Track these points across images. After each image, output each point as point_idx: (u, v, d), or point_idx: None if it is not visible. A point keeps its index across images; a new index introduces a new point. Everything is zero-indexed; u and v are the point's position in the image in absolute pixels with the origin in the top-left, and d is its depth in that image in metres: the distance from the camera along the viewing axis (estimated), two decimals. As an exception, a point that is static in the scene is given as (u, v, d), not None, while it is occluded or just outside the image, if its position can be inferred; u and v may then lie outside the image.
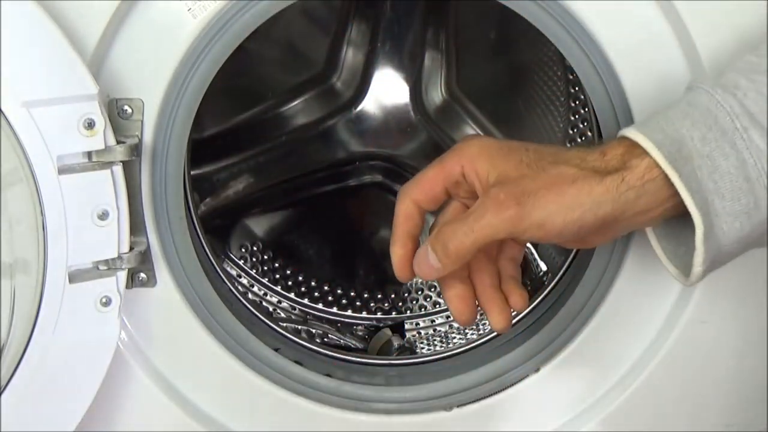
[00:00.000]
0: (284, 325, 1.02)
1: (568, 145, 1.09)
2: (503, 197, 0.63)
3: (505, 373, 0.85)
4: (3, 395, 0.71)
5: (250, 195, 1.21)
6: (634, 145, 0.63)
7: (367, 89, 1.19)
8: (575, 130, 1.06)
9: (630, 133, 0.63)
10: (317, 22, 1.18)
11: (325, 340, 1.10)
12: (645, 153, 0.62)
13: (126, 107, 0.73)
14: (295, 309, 1.16)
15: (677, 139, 0.62)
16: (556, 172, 0.63)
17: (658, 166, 0.62)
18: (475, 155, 0.66)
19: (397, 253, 0.69)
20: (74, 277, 0.71)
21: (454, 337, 1.06)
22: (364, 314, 1.16)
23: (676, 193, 0.61)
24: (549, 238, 0.64)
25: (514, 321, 0.91)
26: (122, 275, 0.74)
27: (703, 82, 0.65)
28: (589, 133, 1.02)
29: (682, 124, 0.63)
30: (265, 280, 1.17)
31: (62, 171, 0.68)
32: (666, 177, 0.61)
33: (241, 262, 1.17)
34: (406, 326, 1.14)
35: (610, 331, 0.84)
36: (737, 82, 0.64)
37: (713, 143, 0.62)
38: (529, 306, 0.90)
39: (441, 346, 1.06)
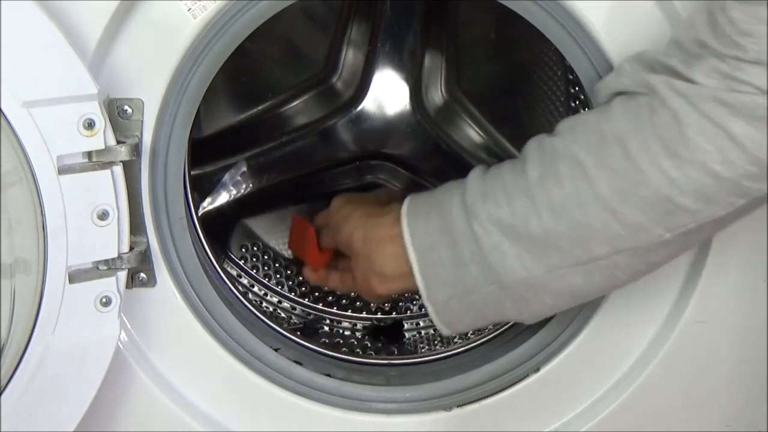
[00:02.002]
0: (284, 324, 1.02)
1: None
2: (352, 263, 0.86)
3: (505, 373, 0.85)
4: (3, 395, 0.71)
5: (251, 195, 1.20)
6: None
7: (367, 89, 1.19)
8: (575, 130, 1.06)
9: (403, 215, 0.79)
10: (317, 22, 1.18)
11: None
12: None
13: (126, 107, 0.73)
14: (295, 309, 1.16)
15: (427, 201, 0.79)
16: (378, 234, 0.83)
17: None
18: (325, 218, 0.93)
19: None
20: (74, 277, 0.71)
21: (454, 337, 1.06)
22: (364, 314, 1.16)
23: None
24: (339, 244, 0.87)
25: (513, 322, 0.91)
26: (122, 275, 0.74)
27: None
28: (589, 133, 1.02)
29: (438, 192, 0.78)
30: (265, 281, 1.17)
31: (62, 171, 0.68)
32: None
33: (241, 263, 1.17)
34: (406, 326, 1.13)
35: (610, 331, 0.84)
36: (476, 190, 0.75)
37: (444, 206, 0.76)
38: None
39: (441, 347, 1.06)
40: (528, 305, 0.74)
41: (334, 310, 1.18)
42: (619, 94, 0.70)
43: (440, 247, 0.75)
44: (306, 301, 1.18)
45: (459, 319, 0.77)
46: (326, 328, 1.14)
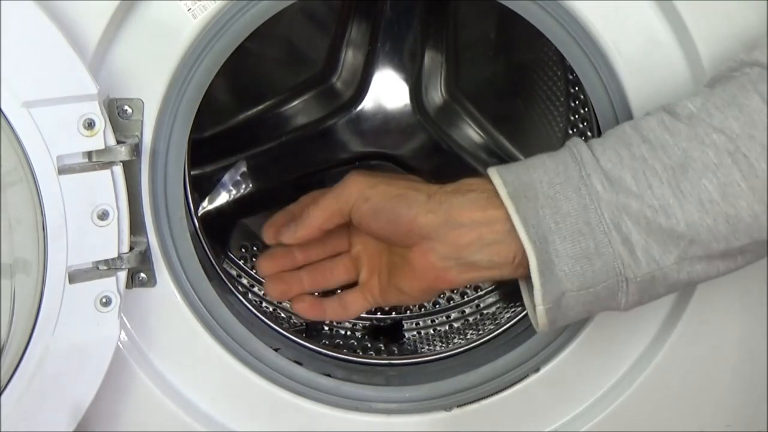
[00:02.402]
0: (284, 325, 1.02)
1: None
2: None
3: (505, 373, 0.85)
4: (3, 395, 0.71)
5: (251, 195, 1.20)
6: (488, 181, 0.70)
7: (367, 89, 1.19)
8: (575, 130, 1.06)
9: (489, 170, 0.70)
10: (317, 22, 1.18)
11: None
12: (478, 182, 0.71)
13: (126, 107, 0.73)
14: (295, 309, 1.16)
15: (526, 181, 0.68)
16: (399, 191, 0.74)
17: (481, 185, 0.70)
18: (361, 189, 0.77)
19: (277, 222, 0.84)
20: (74, 277, 0.71)
21: (454, 338, 1.06)
22: (363, 314, 1.16)
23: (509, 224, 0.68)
24: (373, 233, 0.76)
25: (515, 320, 0.91)
26: (122, 275, 0.74)
27: (573, 140, 0.70)
28: (589, 133, 1.02)
29: (535, 170, 0.68)
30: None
31: (62, 171, 0.68)
32: (491, 199, 0.69)
33: (241, 262, 1.17)
34: (406, 326, 1.13)
35: (610, 331, 0.84)
36: (602, 142, 0.68)
37: (558, 187, 0.67)
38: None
39: (441, 346, 1.06)
40: (640, 296, 0.68)
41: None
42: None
43: (556, 239, 0.66)
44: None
45: (565, 315, 0.69)
46: (326, 329, 1.14)
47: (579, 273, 0.66)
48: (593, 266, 0.66)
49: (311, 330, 1.11)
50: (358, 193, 0.76)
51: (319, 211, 0.78)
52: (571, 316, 0.70)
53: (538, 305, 0.68)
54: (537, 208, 0.67)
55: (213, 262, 0.90)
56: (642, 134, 0.67)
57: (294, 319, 1.13)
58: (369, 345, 1.09)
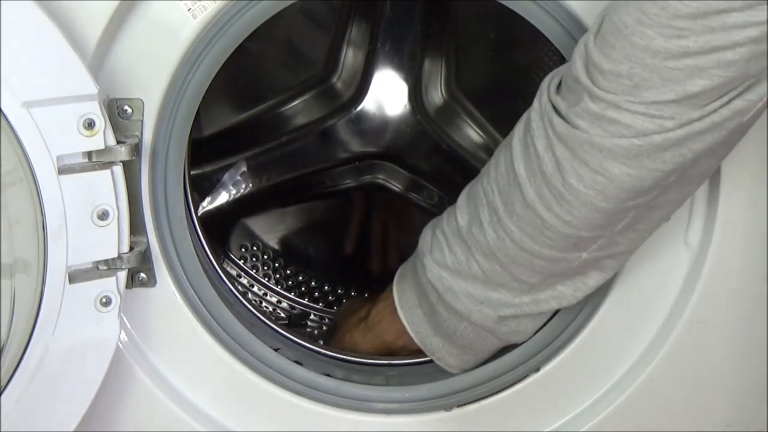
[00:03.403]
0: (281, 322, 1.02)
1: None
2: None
3: (505, 373, 0.85)
4: (3, 395, 0.71)
5: (251, 195, 1.21)
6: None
7: (367, 89, 1.19)
8: (575, 130, 1.06)
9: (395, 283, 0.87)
10: (317, 22, 1.18)
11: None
12: (382, 299, 0.89)
13: (126, 107, 0.73)
14: (295, 309, 1.16)
15: (404, 288, 0.86)
16: (350, 325, 0.94)
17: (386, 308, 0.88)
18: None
19: None
20: (74, 277, 0.71)
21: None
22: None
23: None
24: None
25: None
26: (122, 275, 0.74)
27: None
28: (589, 133, 1.02)
29: (409, 281, 0.86)
30: (264, 280, 1.17)
31: (62, 171, 0.68)
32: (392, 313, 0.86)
33: (240, 262, 1.17)
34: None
35: (610, 331, 0.84)
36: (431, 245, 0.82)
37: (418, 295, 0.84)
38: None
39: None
40: (502, 333, 0.80)
41: (334, 309, 1.18)
42: None
43: (418, 303, 0.83)
44: (306, 301, 1.18)
45: (460, 360, 0.84)
46: (325, 328, 1.14)
47: (439, 324, 0.82)
48: (443, 316, 0.81)
49: (293, 324, 1.11)
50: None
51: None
52: (471, 360, 0.84)
53: (430, 356, 0.85)
54: (408, 282, 0.85)
55: (213, 262, 0.90)
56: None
57: (278, 311, 1.13)
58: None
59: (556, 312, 0.83)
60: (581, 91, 0.65)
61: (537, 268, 0.74)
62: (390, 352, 0.90)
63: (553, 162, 0.67)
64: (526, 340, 0.83)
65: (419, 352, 0.86)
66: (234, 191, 1.20)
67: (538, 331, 0.82)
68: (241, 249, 1.18)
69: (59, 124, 0.67)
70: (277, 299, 1.17)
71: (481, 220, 0.75)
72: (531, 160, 0.69)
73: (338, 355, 0.92)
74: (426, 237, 0.82)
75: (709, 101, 0.61)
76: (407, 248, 1.21)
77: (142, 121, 0.74)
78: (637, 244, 0.74)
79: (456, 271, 0.78)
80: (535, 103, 0.71)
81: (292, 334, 0.93)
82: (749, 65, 0.60)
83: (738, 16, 0.58)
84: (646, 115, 0.62)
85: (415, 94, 1.20)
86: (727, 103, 0.62)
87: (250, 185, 1.20)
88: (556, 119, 0.67)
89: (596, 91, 0.63)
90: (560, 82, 0.69)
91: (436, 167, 1.22)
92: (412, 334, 0.84)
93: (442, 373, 0.87)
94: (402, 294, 0.85)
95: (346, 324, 0.95)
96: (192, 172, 0.89)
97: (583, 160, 0.65)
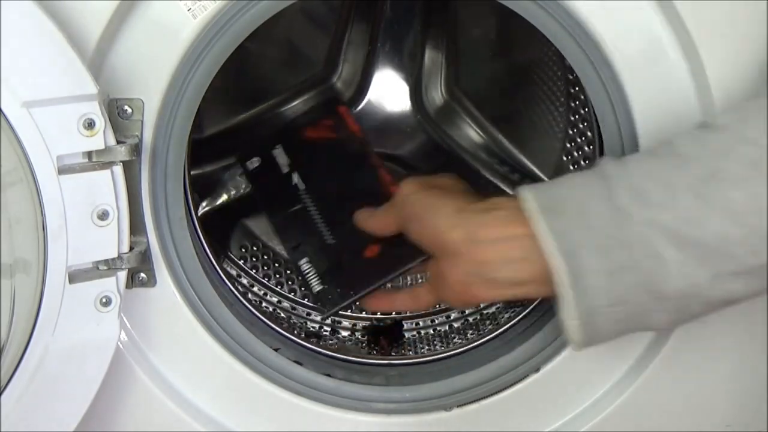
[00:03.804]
0: (284, 324, 1.02)
1: (568, 145, 1.09)
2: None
3: (505, 373, 0.85)
4: (3, 395, 0.71)
5: (250, 195, 1.20)
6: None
7: (367, 89, 1.19)
8: (575, 130, 1.06)
9: (518, 188, 0.70)
10: (317, 22, 1.17)
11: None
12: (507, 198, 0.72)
13: (126, 107, 0.73)
14: (295, 309, 1.16)
15: (554, 197, 0.68)
16: (437, 201, 0.76)
17: (509, 202, 0.71)
18: (406, 194, 0.81)
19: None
20: (74, 277, 0.71)
21: (454, 338, 1.06)
22: (363, 314, 1.16)
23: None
24: (410, 235, 0.78)
25: (515, 321, 0.91)
26: (122, 275, 0.74)
27: (604, 158, 0.70)
28: (589, 133, 1.02)
29: (562, 186, 0.69)
30: (264, 280, 1.17)
31: (62, 171, 0.68)
32: (518, 214, 0.68)
33: (241, 262, 1.17)
34: (406, 326, 1.13)
35: (610, 331, 0.84)
36: (633, 158, 0.69)
37: (585, 201, 0.66)
38: (529, 308, 0.90)
39: (441, 347, 1.06)
40: (676, 315, 0.67)
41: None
42: None
43: (584, 254, 0.65)
44: (306, 301, 1.18)
45: (599, 332, 0.68)
46: (326, 329, 1.13)
47: (608, 288, 0.65)
48: (624, 281, 0.65)
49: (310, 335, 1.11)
50: (402, 197, 0.80)
51: (374, 222, 0.84)
52: (605, 335, 0.68)
53: (569, 320, 0.67)
54: (564, 222, 0.66)
55: (213, 262, 0.90)
56: (673, 148, 0.66)
57: (294, 319, 1.13)
58: (369, 345, 1.09)
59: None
60: None
61: None
62: (472, 296, 0.73)
63: None
64: (533, 325, 0.79)
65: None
66: (234, 192, 1.20)
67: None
68: (241, 249, 1.18)
69: (59, 124, 0.67)
70: (277, 299, 1.17)
71: (732, 172, 0.63)
72: None
73: (338, 355, 0.92)
74: (621, 179, 0.66)
75: None
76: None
77: (142, 121, 0.74)
78: None
79: (674, 232, 0.63)
80: None
81: (292, 335, 0.93)
82: None
83: None
84: None
85: (415, 94, 1.19)
86: None
87: (250, 185, 1.20)
88: None
89: None
90: None
91: (436, 167, 1.21)
92: (565, 289, 0.66)
93: (442, 373, 0.87)
94: (557, 234, 0.66)
95: (428, 213, 0.76)
96: (192, 172, 0.89)
97: None
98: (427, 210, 0.75)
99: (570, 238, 0.65)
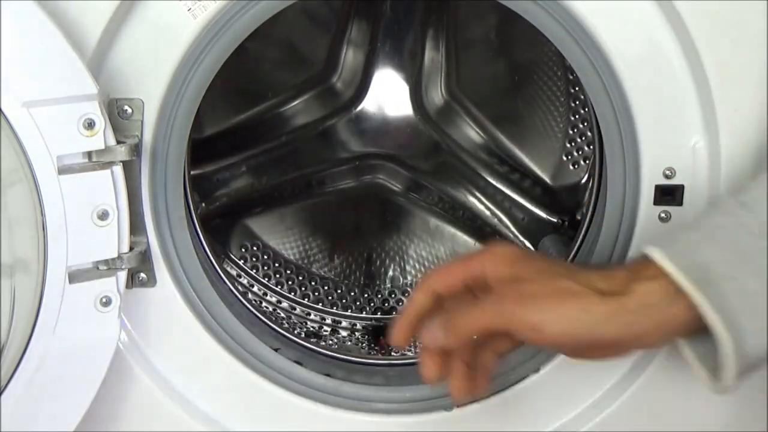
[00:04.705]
0: (285, 324, 1.02)
1: (568, 145, 1.09)
2: (506, 292, 0.67)
3: (505, 373, 0.85)
4: (3, 395, 0.71)
5: (250, 195, 1.20)
6: (646, 266, 0.64)
7: (367, 89, 1.19)
8: (575, 130, 1.06)
9: (655, 254, 0.64)
10: (317, 22, 1.18)
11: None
12: (648, 276, 0.64)
13: (126, 107, 0.73)
14: (295, 309, 1.16)
15: (701, 264, 0.63)
16: (562, 284, 0.65)
17: (660, 290, 0.63)
18: (499, 258, 0.69)
19: (401, 325, 0.73)
20: (74, 277, 0.71)
21: (454, 337, 1.06)
22: (363, 314, 1.16)
23: (691, 312, 0.62)
24: (544, 343, 0.66)
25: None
26: (122, 275, 0.74)
27: (725, 202, 0.66)
28: (589, 133, 1.02)
29: (706, 249, 0.64)
30: (264, 280, 1.17)
31: (62, 171, 0.68)
32: (672, 297, 0.63)
33: (241, 262, 1.17)
34: (406, 326, 1.13)
35: (610, 331, 0.84)
36: (757, 196, 0.65)
37: (738, 266, 0.62)
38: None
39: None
40: None
41: (334, 310, 1.18)
42: None
43: (740, 280, 0.62)
44: (306, 301, 1.18)
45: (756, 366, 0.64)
46: (326, 329, 1.14)
47: (764, 343, 0.62)
48: None
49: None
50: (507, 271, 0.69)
51: (473, 318, 0.67)
52: (748, 372, 0.65)
53: (727, 380, 0.64)
54: (720, 291, 0.62)
55: (213, 262, 0.90)
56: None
57: (294, 319, 1.13)
58: (369, 345, 1.09)
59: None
60: None
61: None
62: (624, 349, 0.68)
63: None
64: None
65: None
66: (234, 191, 1.20)
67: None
68: (241, 249, 1.18)
69: (59, 124, 0.67)
70: (276, 299, 1.17)
71: None
72: None
73: (338, 355, 0.92)
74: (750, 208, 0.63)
75: None
76: (407, 247, 1.22)
77: (142, 121, 0.74)
78: None
79: None
80: None
81: (292, 335, 0.93)
82: None
83: None
84: None
85: (415, 94, 1.20)
86: None
87: (251, 185, 1.20)
88: None
89: None
90: None
91: (435, 167, 1.22)
92: (722, 334, 0.61)
93: (442, 373, 0.87)
94: (702, 269, 0.62)
95: (554, 284, 0.66)
96: (192, 172, 0.89)
97: None
98: (561, 301, 0.65)
99: (728, 307, 0.62)
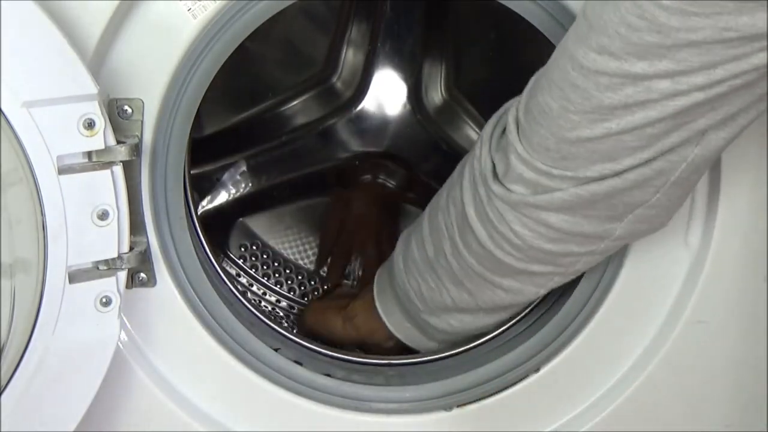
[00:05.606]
0: (284, 324, 1.02)
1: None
2: None
3: (505, 373, 0.85)
4: (3, 395, 0.71)
5: (250, 195, 1.21)
6: None
7: (367, 89, 1.19)
8: (575, 130, 1.06)
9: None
10: (317, 22, 1.18)
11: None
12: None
13: (126, 107, 0.73)
14: (294, 308, 1.16)
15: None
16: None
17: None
18: None
19: None
20: (74, 277, 0.71)
21: (454, 337, 1.06)
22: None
23: None
24: None
25: (515, 321, 0.91)
26: (122, 275, 0.74)
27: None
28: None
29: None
30: (264, 280, 1.17)
31: (62, 171, 0.68)
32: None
33: (240, 262, 1.17)
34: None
35: (609, 331, 0.84)
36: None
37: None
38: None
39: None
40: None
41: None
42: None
43: (397, 306, 0.90)
44: (305, 301, 1.18)
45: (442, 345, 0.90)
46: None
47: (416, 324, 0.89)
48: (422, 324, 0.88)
49: None
50: None
51: None
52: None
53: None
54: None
55: (213, 261, 0.90)
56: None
57: (293, 318, 1.13)
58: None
59: (554, 313, 0.83)
60: (516, 156, 0.68)
61: (500, 300, 0.79)
62: (361, 345, 0.95)
63: (496, 212, 0.71)
64: (533, 325, 0.85)
65: (389, 350, 0.91)
66: (234, 191, 1.20)
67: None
68: (240, 248, 1.18)
69: (59, 124, 0.67)
70: (276, 299, 1.17)
71: (445, 251, 0.80)
72: (478, 206, 0.74)
73: (338, 355, 0.92)
74: (398, 257, 0.88)
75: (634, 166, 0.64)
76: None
77: (142, 121, 0.74)
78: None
79: (429, 298, 0.84)
80: (477, 150, 0.75)
81: (292, 334, 0.93)
82: (669, 137, 0.62)
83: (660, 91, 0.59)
84: (574, 179, 0.66)
85: (415, 94, 1.20)
86: (650, 162, 0.64)
87: (250, 185, 1.21)
88: (492, 182, 0.71)
89: (528, 159, 0.67)
90: (502, 131, 0.73)
91: (435, 167, 1.22)
92: (394, 331, 0.90)
93: (442, 373, 0.87)
94: (383, 299, 0.90)
95: (326, 306, 1.00)
96: (192, 172, 0.89)
97: (523, 213, 0.70)
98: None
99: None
